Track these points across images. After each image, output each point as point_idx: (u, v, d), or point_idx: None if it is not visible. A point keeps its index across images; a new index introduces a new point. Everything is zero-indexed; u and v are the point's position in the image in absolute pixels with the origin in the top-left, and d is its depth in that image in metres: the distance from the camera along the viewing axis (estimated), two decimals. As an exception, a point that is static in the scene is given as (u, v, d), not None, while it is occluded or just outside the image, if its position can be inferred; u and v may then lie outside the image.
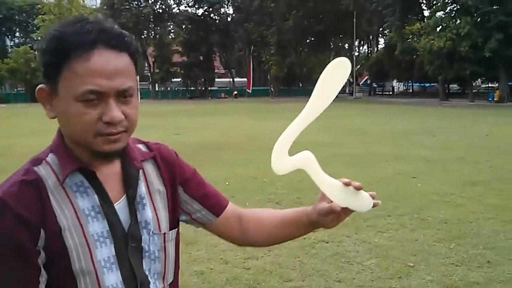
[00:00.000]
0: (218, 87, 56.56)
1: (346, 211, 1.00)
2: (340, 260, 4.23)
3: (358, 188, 0.97)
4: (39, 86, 0.92)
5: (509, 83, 35.57)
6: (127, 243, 0.96)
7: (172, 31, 58.25)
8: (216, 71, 58.27)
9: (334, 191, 0.99)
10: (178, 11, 55.33)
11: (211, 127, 17.92)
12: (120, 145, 0.91)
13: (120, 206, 0.97)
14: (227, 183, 7.56)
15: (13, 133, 16.62)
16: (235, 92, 48.93)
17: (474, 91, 40.16)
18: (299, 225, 1.12)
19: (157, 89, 55.37)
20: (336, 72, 0.99)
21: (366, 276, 3.89)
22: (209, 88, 54.91)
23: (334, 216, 1.01)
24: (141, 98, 45.58)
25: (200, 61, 52.96)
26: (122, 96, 0.88)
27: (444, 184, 7.37)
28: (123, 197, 0.98)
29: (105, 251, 0.93)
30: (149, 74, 55.40)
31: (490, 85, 44.03)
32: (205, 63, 53.37)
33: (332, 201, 0.99)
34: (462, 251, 4.45)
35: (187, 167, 1.14)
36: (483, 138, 13.56)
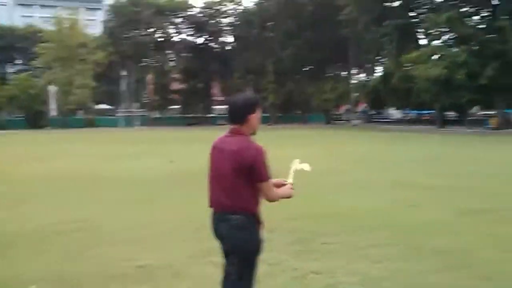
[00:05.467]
0: (217, 114, 56.64)
1: None
2: (333, 292, 4.07)
3: None
4: (249, 117, 2.88)
5: (505, 111, 35.71)
6: None
7: (171, 59, 58.75)
8: (215, 98, 58.55)
9: None
10: (178, 39, 55.95)
11: (204, 153, 17.79)
12: None
13: None
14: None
15: (10, 160, 16.53)
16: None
17: (471, 118, 40.30)
18: None
19: (155, 116, 55.51)
20: None
21: (358, 309, 3.74)
22: (208, 115, 55.03)
23: None
24: (140, 125, 45.75)
25: (199, 88, 53.30)
26: None
27: (441, 212, 7.24)
28: None
29: None
30: (148, 101, 55.65)
31: (486, 112, 44.16)
32: (204, 90, 53.72)
33: None
34: (459, 282, 4.31)
35: None
36: (480, 165, 13.47)
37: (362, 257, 5.00)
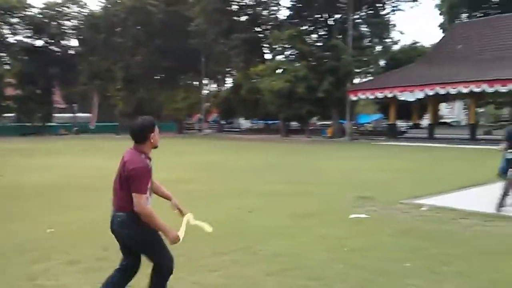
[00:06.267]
0: (59, 123, 52.39)
1: None
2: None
3: None
4: (149, 136, 3.47)
5: (340, 121, 39.50)
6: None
7: (6, 62, 52.82)
8: (56, 105, 54.23)
9: None
10: (14, 41, 50.63)
11: (44, 167, 16.34)
12: None
13: None
14: (49, 230, 6.76)
15: None
16: (76, 128, 46.14)
17: (311, 128, 43.71)
18: None
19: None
20: None
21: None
22: (48, 124, 50.60)
23: None
24: (-36, 134, 40.23)
25: (37, 94, 48.81)
26: None
27: (278, 217, 7.60)
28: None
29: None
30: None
31: (324, 122, 48.36)
32: (43, 97, 49.32)
33: None
34: (289, 283, 4.53)
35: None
36: (314, 171, 14.59)
37: (203, 267, 5.04)
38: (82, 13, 51.33)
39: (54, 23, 49.85)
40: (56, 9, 49.96)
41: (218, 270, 4.92)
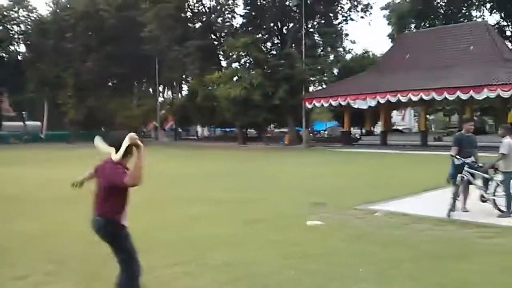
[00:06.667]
0: (8, 131, 50.26)
1: None
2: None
3: None
4: (129, 150, 3.77)
5: (296, 128, 39.88)
6: None
7: None
8: (4, 114, 52.04)
9: None
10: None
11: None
12: None
13: None
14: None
15: None
16: (25, 137, 44.34)
17: (268, 135, 43.94)
18: None
19: None
20: None
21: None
22: (-5, 134, 48.41)
23: None
24: None
25: (-16, 102, 46.78)
26: None
27: (232, 224, 7.50)
28: None
29: None
30: None
31: (282, 130, 48.77)
32: (-10, 105, 47.33)
33: None
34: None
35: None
36: (270, 178, 14.58)
37: (154, 279, 4.78)
38: (31, 17, 49.68)
39: (1, 27, 48.01)
40: (3, 13, 48.12)
41: (170, 282, 4.77)
